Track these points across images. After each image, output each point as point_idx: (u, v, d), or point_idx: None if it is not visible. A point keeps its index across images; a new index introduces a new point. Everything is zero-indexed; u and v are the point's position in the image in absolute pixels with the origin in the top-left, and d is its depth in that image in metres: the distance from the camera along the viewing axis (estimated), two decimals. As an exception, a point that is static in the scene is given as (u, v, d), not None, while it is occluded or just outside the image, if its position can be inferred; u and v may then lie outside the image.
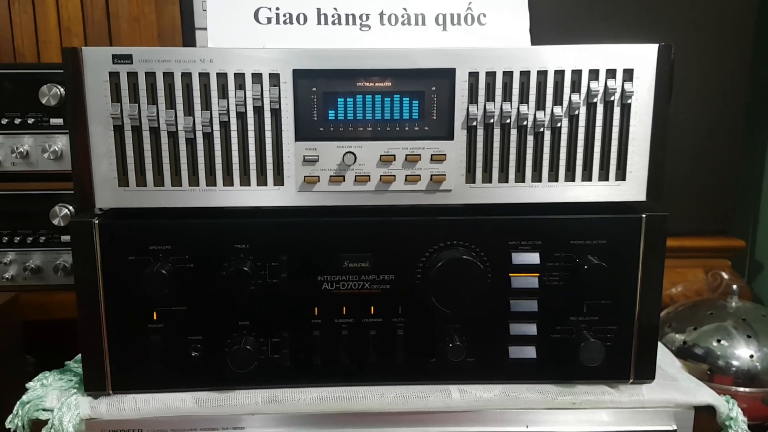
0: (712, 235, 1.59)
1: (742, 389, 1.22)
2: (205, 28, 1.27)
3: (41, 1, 1.68)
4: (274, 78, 0.83)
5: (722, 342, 1.27)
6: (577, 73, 0.84)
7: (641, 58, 0.84)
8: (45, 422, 0.85)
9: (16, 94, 1.33)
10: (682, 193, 1.52)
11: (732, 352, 1.26)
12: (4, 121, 1.33)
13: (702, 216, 1.57)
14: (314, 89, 0.84)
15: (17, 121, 1.33)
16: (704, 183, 1.55)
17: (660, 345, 0.94)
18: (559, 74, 0.84)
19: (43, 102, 1.31)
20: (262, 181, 0.86)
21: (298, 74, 0.83)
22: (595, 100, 0.84)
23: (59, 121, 1.33)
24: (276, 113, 0.84)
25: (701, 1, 1.48)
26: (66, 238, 1.37)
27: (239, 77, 0.83)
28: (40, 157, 1.34)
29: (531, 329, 0.90)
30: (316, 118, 0.85)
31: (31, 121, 1.33)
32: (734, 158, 1.56)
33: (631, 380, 0.91)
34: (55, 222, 1.34)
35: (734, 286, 1.36)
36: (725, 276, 1.55)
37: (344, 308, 0.89)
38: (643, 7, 1.46)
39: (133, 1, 1.70)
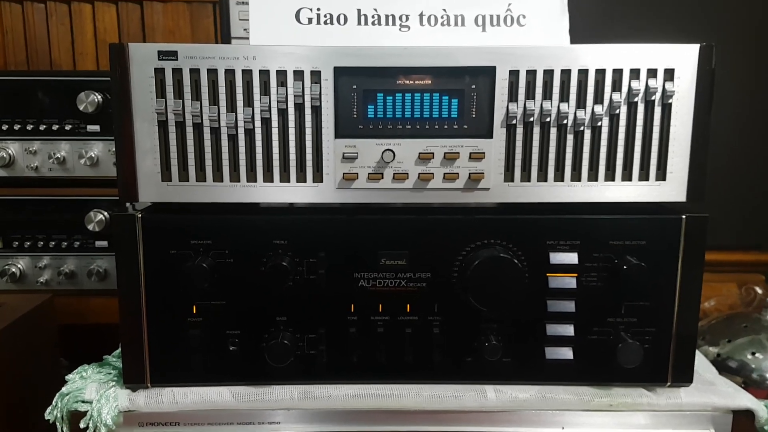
0: (747, 249, 1.58)
1: (776, 401, 1.20)
2: (241, 38, 1.29)
3: (78, 14, 1.71)
4: (316, 75, 0.84)
5: (757, 355, 1.26)
6: (618, 72, 0.84)
7: (682, 58, 0.84)
8: (84, 414, 0.86)
9: (53, 101, 1.36)
10: (717, 208, 1.51)
11: (766, 365, 1.24)
12: (42, 128, 1.35)
13: (736, 231, 1.56)
14: (354, 87, 0.85)
15: (55, 127, 1.35)
16: (739, 197, 1.54)
17: (696, 353, 0.93)
18: (600, 73, 0.84)
19: (81, 109, 1.33)
20: (301, 177, 0.87)
21: (339, 72, 0.84)
22: (635, 100, 0.84)
23: (96, 127, 1.36)
24: (316, 110, 0.85)
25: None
26: (101, 243, 1.39)
27: (281, 74, 0.84)
28: (77, 163, 1.36)
29: (568, 330, 0.89)
30: (355, 116, 0.85)
31: (68, 127, 1.35)
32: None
33: (668, 383, 0.90)
34: (90, 227, 1.36)
35: (769, 300, 1.35)
36: (759, 291, 1.53)
37: (380, 306, 0.89)
38: (688, 6, 1.45)
39: (168, 15, 1.73)
